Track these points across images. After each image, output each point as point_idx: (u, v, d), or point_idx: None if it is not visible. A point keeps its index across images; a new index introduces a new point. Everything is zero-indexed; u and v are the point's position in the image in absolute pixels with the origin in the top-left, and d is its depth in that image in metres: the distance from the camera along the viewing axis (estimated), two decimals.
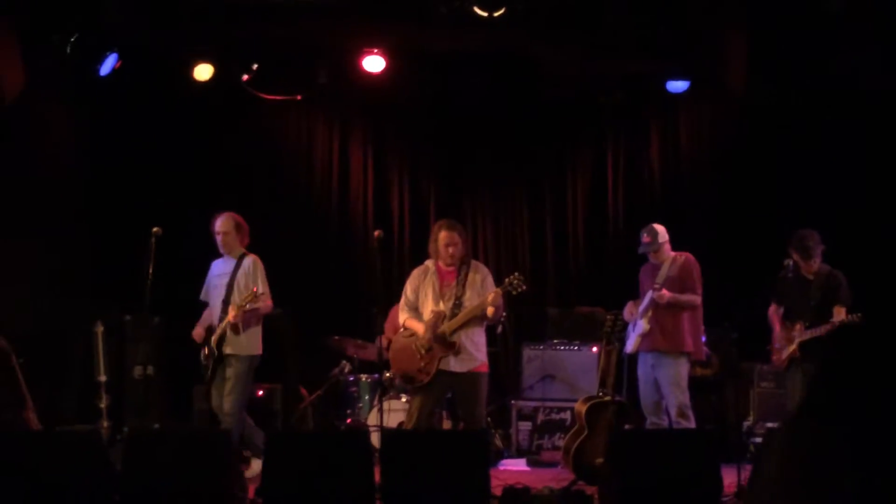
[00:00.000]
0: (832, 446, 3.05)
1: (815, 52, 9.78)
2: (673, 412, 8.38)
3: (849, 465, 3.00)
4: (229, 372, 8.32)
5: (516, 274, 8.04)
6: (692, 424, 8.30)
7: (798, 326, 8.37)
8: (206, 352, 8.35)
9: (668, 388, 8.39)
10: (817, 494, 3.03)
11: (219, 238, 8.49)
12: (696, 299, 8.46)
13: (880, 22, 9.44)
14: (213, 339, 8.30)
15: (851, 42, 9.70)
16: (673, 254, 8.58)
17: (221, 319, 8.33)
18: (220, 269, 8.53)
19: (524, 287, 7.99)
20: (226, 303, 8.36)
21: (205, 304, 8.62)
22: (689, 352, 8.43)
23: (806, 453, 3.12)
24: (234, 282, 8.41)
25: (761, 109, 10.67)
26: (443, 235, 8.08)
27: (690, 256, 8.56)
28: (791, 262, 8.46)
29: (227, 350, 8.32)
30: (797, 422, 3.32)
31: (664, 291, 8.34)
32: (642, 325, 8.50)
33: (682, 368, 8.42)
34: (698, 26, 10.06)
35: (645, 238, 8.61)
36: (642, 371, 8.58)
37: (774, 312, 8.72)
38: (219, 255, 8.61)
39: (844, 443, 3.04)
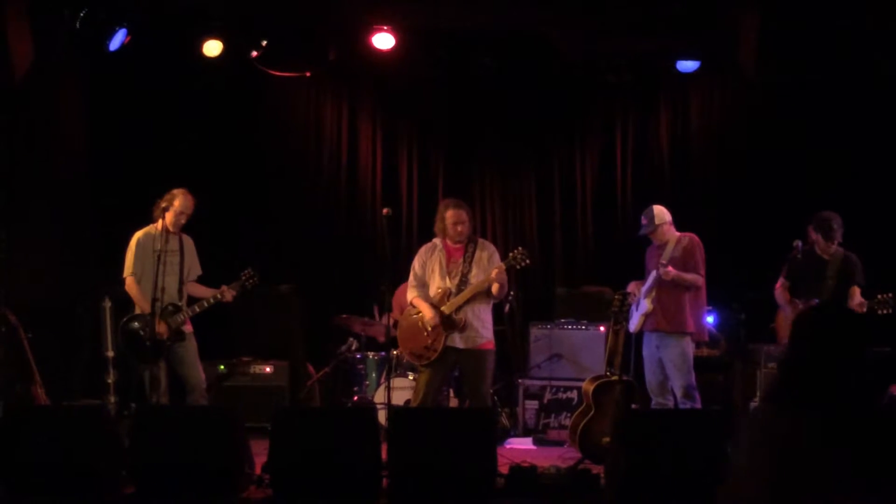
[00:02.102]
0: (801, 432, 3.03)
1: (826, 32, 9.74)
2: (678, 393, 8.39)
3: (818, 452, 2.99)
4: (192, 349, 8.42)
5: (520, 248, 8.07)
6: (698, 405, 8.31)
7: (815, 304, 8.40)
8: (165, 330, 8.24)
9: (673, 369, 8.40)
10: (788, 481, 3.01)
11: (182, 218, 8.41)
12: (699, 279, 8.46)
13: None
14: (180, 320, 8.30)
15: (863, 25, 9.67)
16: (677, 234, 8.58)
17: (180, 298, 8.37)
18: (164, 245, 8.33)
19: (528, 261, 8.03)
20: (181, 282, 8.41)
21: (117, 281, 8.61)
22: (691, 332, 8.44)
23: (772, 440, 3.10)
24: (183, 261, 8.47)
25: (772, 90, 10.63)
26: (450, 214, 8.10)
27: (694, 237, 8.56)
28: (800, 244, 8.47)
29: (189, 329, 8.42)
30: (763, 409, 3.30)
31: (669, 268, 8.35)
32: (646, 304, 8.50)
33: (687, 349, 8.42)
34: (709, 5, 10.01)
35: (643, 221, 8.63)
36: (647, 351, 8.59)
37: (782, 289, 8.74)
38: (137, 228, 8.61)
39: (814, 428, 3.03)
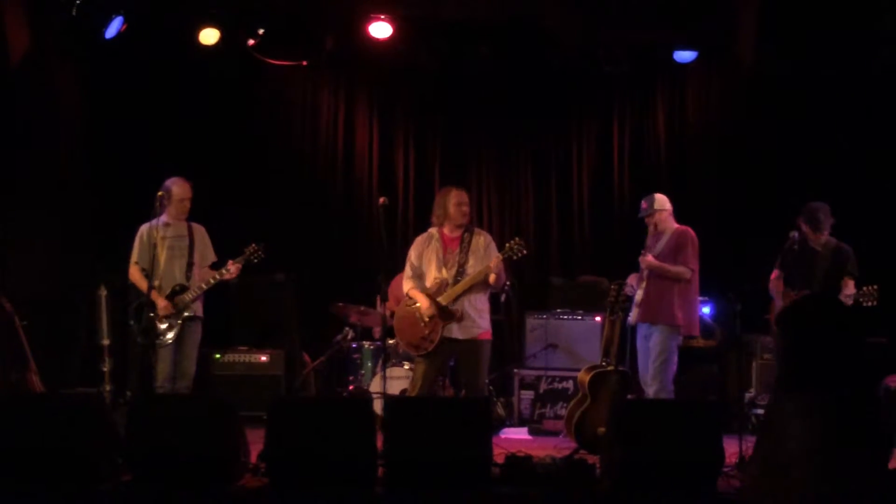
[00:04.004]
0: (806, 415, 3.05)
1: (824, 23, 9.73)
2: (648, 377, 8.38)
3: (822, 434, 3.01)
4: (194, 335, 8.47)
5: (517, 239, 8.06)
6: (664, 393, 8.27)
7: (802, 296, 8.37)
8: (167, 314, 8.34)
9: (654, 356, 8.38)
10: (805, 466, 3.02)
11: (183, 204, 8.52)
12: (686, 272, 8.38)
13: None
14: (187, 298, 8.37)
15: (861, 14, 9.67)
16: (675, 226, 8.57)
17: (189, 279, 8.44)
18: (168, 232, 8.48)
19: (525, 252, 8.02)
20: (190, 265, 8.47)
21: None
22: (679, 325, 8.40)
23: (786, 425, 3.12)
24: (193, 245, 8.53)
25: (769, 81, 10.61)
26: (454, 194, 8.13)
27: (689, 230, 8.54)
28: (796, 234, 8.46)
29: (196, 312, 8.47)
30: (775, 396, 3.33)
31: (649, 257, 8.38)
32: (638, 295, 8.53)
33: (670, 341, 8.36)
34: None
35: (643, 205, 8.63)
36: (639, 342, 8.58)
37: (776, 280, 8.72)
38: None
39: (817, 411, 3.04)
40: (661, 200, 8.60)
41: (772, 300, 8.86)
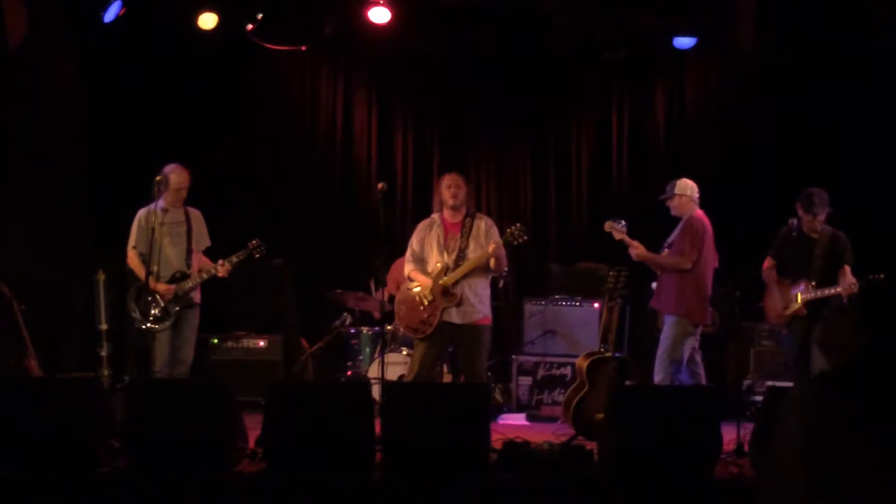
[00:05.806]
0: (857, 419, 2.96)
1: (825, 9, 9.71)
2: (656, 365, 8.41)
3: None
4: (192, 321, 8.49)
5: (518, 225, 8.06)
6: (667, 380, 8.28)
7: (804, 284, 8.34)
8: (167, 299, 8.35)
9: (661, 345, 8.41)
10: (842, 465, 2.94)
11: (180, 192, 8.50)
12: (682, 262, 8.38)
13: None
14: (187, 286, 8.39)
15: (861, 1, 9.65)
16: (693, 213, 8.55)
17: (189, 266, 8.45)
18: (166, 218, 8.42)
19: (525, 238, 8.02)
20: (189, 252, 8.48)
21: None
22: (680, 315, 8.39)
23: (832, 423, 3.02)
24: (191, 232, 8.53)
25: (768, 67, 10.59)
26: (447, 177, 8.20)
27: (695, 217, 8.49)
28: (795, 221, 8.43)
29: (194, 299, 8.49)
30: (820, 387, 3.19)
31: (639, 249, 8.41)
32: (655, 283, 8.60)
33: (675, 330, 8.37)
34: None
35: (667, 188, 8.66)
36: None
37: (769, 269, 8.68)
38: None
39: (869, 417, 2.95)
40: (683, 185, 8.60)
41: (766, 286, 8.85)
